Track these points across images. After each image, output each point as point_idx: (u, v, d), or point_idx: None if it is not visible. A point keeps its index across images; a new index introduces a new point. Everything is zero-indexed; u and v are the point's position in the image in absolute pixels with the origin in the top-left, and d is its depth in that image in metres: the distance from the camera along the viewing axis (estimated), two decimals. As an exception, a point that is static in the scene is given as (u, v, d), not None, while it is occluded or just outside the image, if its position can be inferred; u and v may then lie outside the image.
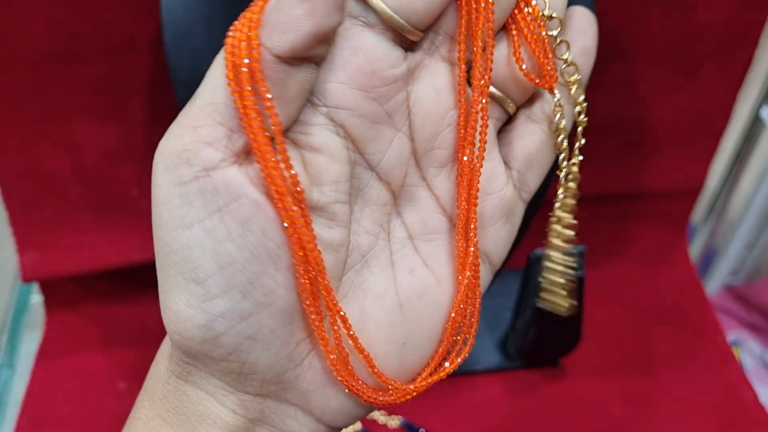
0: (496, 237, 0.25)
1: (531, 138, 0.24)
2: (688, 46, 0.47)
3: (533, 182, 0.25)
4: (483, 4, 0.21)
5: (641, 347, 0.53)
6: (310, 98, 0.21)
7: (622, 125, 0.50)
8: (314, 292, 0.21)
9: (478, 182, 0.23)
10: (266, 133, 0.19)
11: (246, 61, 0.19)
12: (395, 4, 0.20)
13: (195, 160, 0.19)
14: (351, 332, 0.22)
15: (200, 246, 0.20)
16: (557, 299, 0.30)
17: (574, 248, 0.45)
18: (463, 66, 0.22)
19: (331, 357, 0.22)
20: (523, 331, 0.48)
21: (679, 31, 0.46)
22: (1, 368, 0.52)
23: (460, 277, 0.24)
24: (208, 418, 0.22)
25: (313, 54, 0.20)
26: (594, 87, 0.47)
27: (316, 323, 0.21)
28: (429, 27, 0.22)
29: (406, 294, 0.24)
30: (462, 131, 0.23)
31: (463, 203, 0.23)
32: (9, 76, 0.42)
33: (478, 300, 0.24)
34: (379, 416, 0.48)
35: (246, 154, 0.20)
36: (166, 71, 0.36)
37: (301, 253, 0.20)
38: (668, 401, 0.49)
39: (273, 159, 0.19)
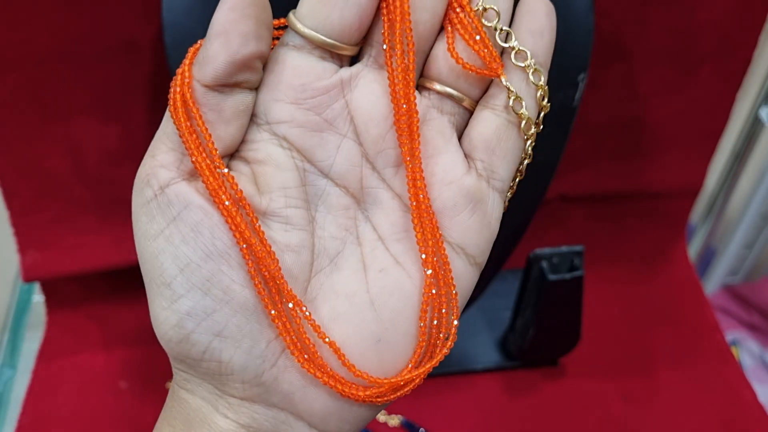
0: (465, 226, 0.25)
1: (486, 124, 0.25)
2: (687, 46, 0.47)
3: (502, 169, 0.25)
4: (400, 12, 0.23)
5: (640, 347, 0.53)
6: (253, 119, 0.24)
7: (622, 125, 0.51)
8: (269, 286, 0.23)
9: (421, 170, 0.24)
10: (204, 150, 0.23)
11: (179, 91, 0.23)
12: (315, 25, 0.23)
13: (153, 181, 0.23)
14: (310, 320, 0.23)
15: (163, 252, 0.23)
16: None
17: (573, 248, 0.46)
18: (393, 70, 0.24)
19: (293, 347, 0.23)
20: (523, 330, 0.48)
21: (679, 31, 0.46)
22: (2, 368, 0.52)
23: (424, 267, 0.24)
24: (206, 423, 0.23)
25: (239, 80, 0.23)
26: (593, 87, 0.47)
27: (273, 314, 0.23)
28: (362, 40, 0.24)
29: (377, 291, 0.24)
30: (399, 131, 0.24)
31: (412, 195, 0.24)
32: (10, 76, 0.42)
33: (454, 291, 0.24)
34: (379, 415, 0.48)
35: (195, 173, 0.23)
36: (167, 72, 0.37)
37: (245, 247, 0.23)
38: (667, 401, 0.50)
39: (211, 170, 0.23)
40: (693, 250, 0.66)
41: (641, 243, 0.58)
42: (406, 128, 0.24)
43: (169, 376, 0.49)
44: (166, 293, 0.23)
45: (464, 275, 0.25)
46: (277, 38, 0.25)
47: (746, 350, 0.67)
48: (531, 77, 0.25)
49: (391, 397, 0.24)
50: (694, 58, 0.48)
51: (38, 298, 0.55)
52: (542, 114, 0.26)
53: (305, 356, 0.23)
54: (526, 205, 0.40)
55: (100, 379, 0.50)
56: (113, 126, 0.45)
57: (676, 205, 0.57)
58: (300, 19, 0.23)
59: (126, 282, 0.53)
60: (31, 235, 0.48)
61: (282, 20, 0.25)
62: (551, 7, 0.25)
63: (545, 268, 0.44)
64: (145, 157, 0.24)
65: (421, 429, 0.47)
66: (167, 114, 0.23)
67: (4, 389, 0.51)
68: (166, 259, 0.23)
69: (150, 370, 0.50)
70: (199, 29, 0.36)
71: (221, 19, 0.22)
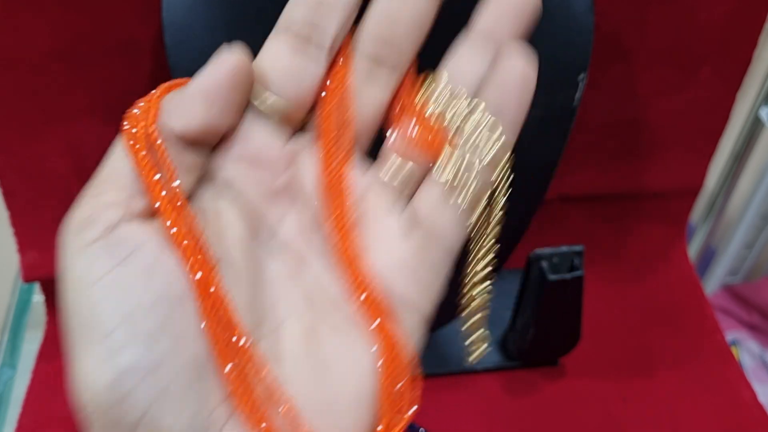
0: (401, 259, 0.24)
1: (424, 194, 0.25)
2: (687, 47, 0.47)
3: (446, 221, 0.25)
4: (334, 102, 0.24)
5: (640, 347, 0.53)
6: (206, 175, 0.23)
7: (621, 125, 0.51)
8: (224, 334, 0.21)
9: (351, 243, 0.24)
10: (165, 189, 0.21)
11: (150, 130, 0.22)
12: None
13: (98, 222, 0.20)
14: (263, 372, 0.21)
15: (105, 299, 0.20)
16: None
17: (573, 248, 0.45)
18: (323, 151, 0.24)
19: (241, 399, 0.21)
20: (523, 330, 0.48)
21: (679, 32, 0.46)
22: (2, 368, 0.52)
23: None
24: None
25: (204, 140, 0.22)
26: (593, 87, 0.47)
27: (224, 365, 0.21)
28: (307, 116, 0.24)
29: (328, 353, 0.23)
30: (327, 205, 0.24)
31: (348, 273, 0.23)
32: (10, 76, 0.42)
33: (406, 359, 0.23)
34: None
35: (147, 213, 0.21)
36: (167, 71, 0.37)
37: (202, 292, 0.21)
38: (667, 401, 0.50)
39: (175, 208, 0.21)
40: (693, 250, 0.66)
41: (641, 243, 0.58)
42: (336, 204, 0.24)
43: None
44: (102, 347, 0.19)
45: (430, 257, 0.24)
46: None
47: (746, 350, 0.67)
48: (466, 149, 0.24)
49: None
50: (694, 58, 0.48)
51: (38, 298, 0.55)
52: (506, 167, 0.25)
53: (253, 413, 0.21)
54: (526, 205, 0.40)
55: (100, 379, 0.50)
56: (113, 126, 0.45)
57: (676, 205, 0.57)
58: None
59: (126, 282, 0.53)
60: (31, 235, 0.48)
61: None
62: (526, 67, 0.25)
63: (545, 268, 0.44)
64: (82, 199, 0.21)
65: (421, 429, 0.47)
66: (115, 153, 0.22)
67: (4, 389, 0.51)
68: (107, 307, 0.20)
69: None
70: (200, 28, 0.36)
71: (212, 82, 0.21)
